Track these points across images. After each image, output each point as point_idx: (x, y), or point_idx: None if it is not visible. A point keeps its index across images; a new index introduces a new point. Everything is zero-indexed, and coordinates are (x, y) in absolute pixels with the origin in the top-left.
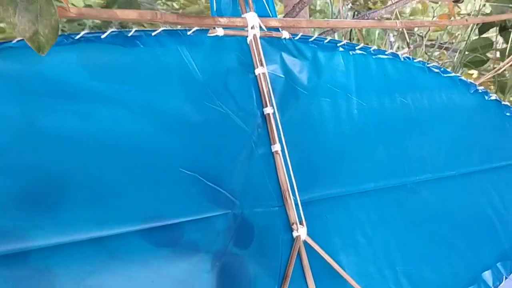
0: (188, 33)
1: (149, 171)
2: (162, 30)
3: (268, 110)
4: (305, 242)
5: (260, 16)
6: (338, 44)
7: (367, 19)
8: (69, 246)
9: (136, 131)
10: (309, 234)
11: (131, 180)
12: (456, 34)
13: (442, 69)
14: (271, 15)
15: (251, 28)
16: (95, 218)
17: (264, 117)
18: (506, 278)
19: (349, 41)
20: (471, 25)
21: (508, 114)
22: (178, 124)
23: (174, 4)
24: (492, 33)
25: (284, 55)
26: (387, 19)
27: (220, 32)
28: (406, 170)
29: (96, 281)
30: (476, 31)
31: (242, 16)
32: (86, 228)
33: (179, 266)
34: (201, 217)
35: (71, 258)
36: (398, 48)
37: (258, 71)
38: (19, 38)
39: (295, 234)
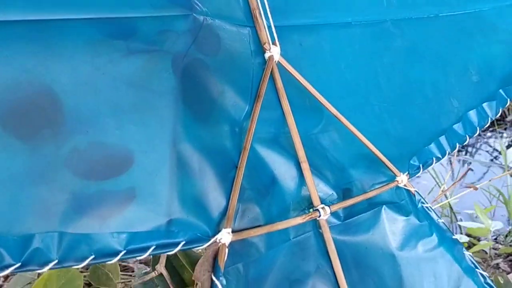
0: None
1: None
2: None
3: None
4: (278, 64)
5: None
6: None
7: None
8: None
9: None
10: (282, 56)
11: None
12: None
13: None
14: None
15: None
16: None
17: None
18: (491, 119)
19: None
20: None
21: None
22: None
23: None
24: None
25: None
26: None
27: None
28: (386, 6)
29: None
30: None
31: None
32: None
33: (132, 61)
34: (158, 15)
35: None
36: None
37: None
38: None
39: (267, 54)
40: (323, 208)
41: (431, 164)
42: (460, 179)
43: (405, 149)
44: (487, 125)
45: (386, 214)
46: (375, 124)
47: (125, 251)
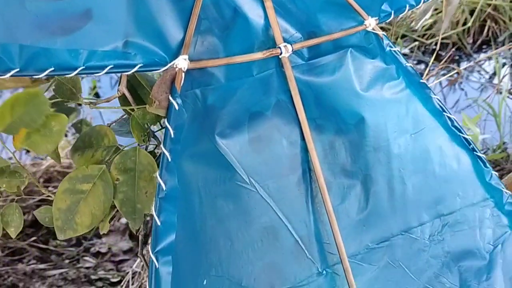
0: None
1: None
2: None
3: None
4: None
5: None
6: None
7: None
8: None
9: None
10: None
11: None
12: None
13: None
14: None
15: None
16: None
17: None
18: None
19: None
20: None
21: None
22: None
23: None
24: None
25: None
26: None
27: None
28: None
29: None
30: None
31: None
32: None
33: None
34: None
35: None
36: None
37: None
38: None
39: None
40: (285, 46)
41: (404, 11)
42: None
43: None
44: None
45: (352, 56)
46: None
47: (83, 67)
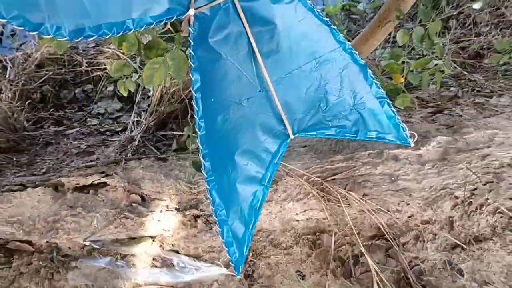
0: None
1: None
2: None
3: None
4: None
5: None
6: None
7: None
8: None
9: None
10: None
11: None
12: None
13: None
14: None
15: None
16: None
17: None
18: None
19: None
20: None
21: None
22: None
23: None
24: None
25: None
26: None
27: None
28: None
29: None
30: None
31: None
32: None
33: None
34: None
35: None
36: None
37: None
38: None
39: None
40: None
41: None
42: None
43: None
44: None
45: None
46: None
47: (154, 21)
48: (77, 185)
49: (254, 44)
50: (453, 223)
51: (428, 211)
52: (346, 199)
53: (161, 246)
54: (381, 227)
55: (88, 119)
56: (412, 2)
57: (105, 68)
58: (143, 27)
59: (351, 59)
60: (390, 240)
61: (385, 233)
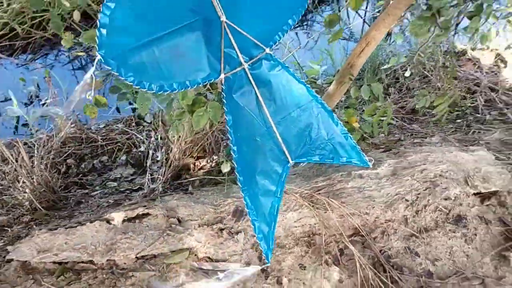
0: None
1: None
2: None
3: None
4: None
5: None
6: None
7: None
8: None
9: None
10: None
11: None
12: None
13: None
14: None
15: None
16: None
17: None
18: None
19: None
20: None
21: None
22: None
23: None
24: None
25: None
26: None
27: None
28: None
29: None
30: None
31: None
32: None
33: None
34: None
35: None
36: None
37: None
38: None
39: None
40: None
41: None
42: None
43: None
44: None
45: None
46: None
47: (190, 84)
48: (125, 218)
49: (260, 98)
50: (407, 219)
51: (388, 212)
52: (330, 205)
53: (195, 255)
54: (357, 226)
55: (108, 182)
56: (359, 68)
57: (117, 142)
58: (195, 86)
59: (321, 107)
60: (365, 236)
61: (360, 231)
